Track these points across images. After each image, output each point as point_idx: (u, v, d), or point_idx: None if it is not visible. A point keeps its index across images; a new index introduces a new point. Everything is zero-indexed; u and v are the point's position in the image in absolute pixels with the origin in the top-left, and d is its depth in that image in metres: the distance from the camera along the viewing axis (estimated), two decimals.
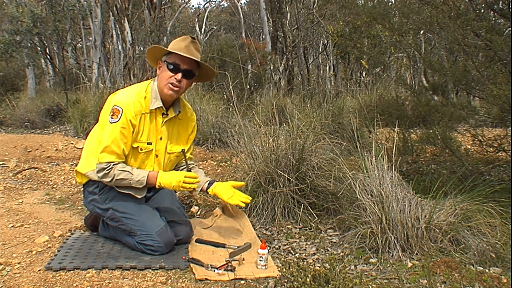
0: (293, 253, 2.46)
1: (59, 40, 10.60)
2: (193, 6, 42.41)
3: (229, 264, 2.19)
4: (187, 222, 2.58)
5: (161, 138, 2.47)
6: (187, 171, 2.54)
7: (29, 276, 2.10)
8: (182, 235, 2.50)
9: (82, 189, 2.61)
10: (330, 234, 2.69)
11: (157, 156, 2.48)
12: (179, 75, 2.38)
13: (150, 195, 2.59)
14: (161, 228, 2.37)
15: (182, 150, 2.59)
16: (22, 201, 3.38)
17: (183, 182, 2.37)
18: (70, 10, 9.77)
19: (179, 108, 2.53)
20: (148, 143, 2.43)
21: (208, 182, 2.54)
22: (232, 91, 4.06)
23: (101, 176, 2.36)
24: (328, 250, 2.47)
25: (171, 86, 2.39)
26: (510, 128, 3.57)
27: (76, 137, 6.07)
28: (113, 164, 2.35)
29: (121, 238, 2.49)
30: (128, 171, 2.36)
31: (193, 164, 2.71)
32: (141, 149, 2.42)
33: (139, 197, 2.43)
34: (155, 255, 2.33)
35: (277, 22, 10.28)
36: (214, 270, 2.16)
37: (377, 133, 3.95)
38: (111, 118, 2.33)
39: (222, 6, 24.90)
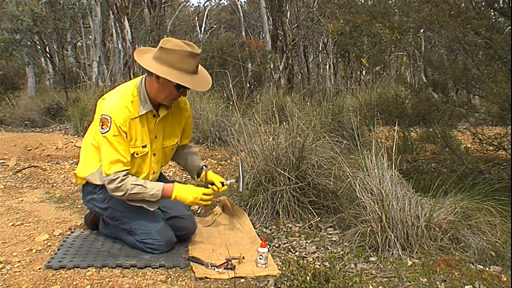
0: (293, 252, 2.46)
1: (59, 38, 10.56)
2: (193, 4, 42.39)
3: (229, 262, 2.19)
4: (190, 216, 2.58)
5: (156, 137, 2.43)
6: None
7: (29, 274, 2.10)
8: (186, 229, 2.52)
9: (81, 187, 2.59)
10: (330, 232, 2.69)
11: (154, 154, 2.45)
12: (184, 93, 2.36)
13: None
14: (161, 227, 2.37)
15: (176, 142, 2.57)
16: (22, 200, 3.38)
17: (199, 200, 2.36)
18: (70, 8, 9.77)
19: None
20: (143, 146, 2.37)
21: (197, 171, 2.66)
22: (232, 90, 4.05)
23: (112, 188, 2.29)
24: (328, 249, 2.47)
25: (172, 100, 2.38)
26: (510, 126, 3.57)
27: (76, 136, 6.06)
28: (123, 176, 2.28)
29: (121, 236, 2.49)
30: (142, 185, 2.30)
31: (192, 148, 2.74)
32: (136, 154, 2.35)
33: (152, 209, 2.38)
34: (155, 254, 2.33)
35: (277, 20, 10.26)
36: (214, 269, 2.16)
37: (377, 132, 3.95)
38: (102, 128, 2.26)
39: (222, 5, 24.91)
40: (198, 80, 2.30)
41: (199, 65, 2.34)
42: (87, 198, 2.51)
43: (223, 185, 2.54)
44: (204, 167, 2.67)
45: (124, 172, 2.29)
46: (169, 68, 2.22)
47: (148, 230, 2.35)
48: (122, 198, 2.32)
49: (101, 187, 2.42)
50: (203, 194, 2.37)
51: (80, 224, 2.82)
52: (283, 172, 2.87)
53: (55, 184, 3.87)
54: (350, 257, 2.34)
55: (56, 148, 5.13)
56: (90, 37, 11.10)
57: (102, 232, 2.62)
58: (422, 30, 5.03)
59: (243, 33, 17.23)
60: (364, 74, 11.62)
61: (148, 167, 2.43)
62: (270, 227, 2.79)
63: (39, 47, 10.41)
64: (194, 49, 2.25)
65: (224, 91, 6.17)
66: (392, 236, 2.32)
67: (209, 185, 2.60)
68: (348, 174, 2.66)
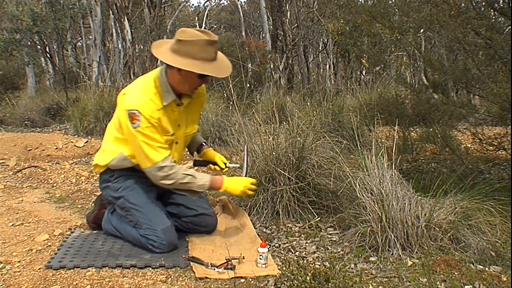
0: (293, 252, 2.46)
1: (59, 38, 10.56)
2: (193, 4, 42.39)
3: (229, 262, 2.19)
4: (214, 213, 2.69)
5: (179, 125, 2.47)
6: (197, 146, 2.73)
7: (29, 274, 2.10)
8: (212, 226, 2.63)
9: (99, 175, 2.62)
10: (330, 232, 2.69)
11: (177, 143, 2.49)
12: (206, 80, 2.38)
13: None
14: (166, 227, 2.38)
15: (197, 129, 2.67)
16: (22, 200, 3.38)
17: (248, 189, 2.44)
18: (70, 8, 9.76)
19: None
20: (171, 135, 2.42)
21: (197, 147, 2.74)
22: (232, 90, 4.05)
23: (162, 176, 2.32)
24: (328, 249, 2.47)
25: (194, 89, 2.41)
26: (510, 126, 3.57)
27: (76, 136, 6.06)
28: (170, 163, 2.31)
29: (124, 231, 2.49)
30: (192, 175, 2.35)
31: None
32: (166, 142, 2.41)
33: (194, 198, 2.50)
34: (155, 252, 2.33)
35: (277, 20, 10.26)
36: (214, 269, 2.16)
37: (377, 132, 3.95)
38: (132, 123, 2.27)
39: (222, 5, 24.91)
40: (219, 66, 2.33)
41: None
42: (102, 185, 2.57)
43: (225, 166, 2.62)
44: (203, 143, 2.74)
45: (170, 159, 2.34)
46: (190, 60, 2.24)
47: (153, 227, 2.36)
48: (170, 186, 2.38)
49: (117, 176, 2.48)
50: (251, 183, 2.45)
51: (80, 224, 2.82)
52: (283, 172, 2.87)
53: (55, 184, 3.87)
54: (350, 257, 2.34)
55: (56, 148, 5.13)
56: (90, 37, 11.09)
57: (104, 228, 2.62)
58: (422, 30, 5.03)
59: (243, 33, 17.22)
60: (364, 74, 11.63)
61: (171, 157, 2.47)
62: (270, 227, 2.79)
63: (39, 47, 10.41)
64: (211, 36, 2.26)
65: (224, 91, 6.17)
66: (392, 236, 2.32)
67: (210, 164, 2.68)
68: (348, 174, 2.66)
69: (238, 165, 2.70)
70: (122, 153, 2.42)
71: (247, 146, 2.74)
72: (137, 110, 2.26)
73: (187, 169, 2.38)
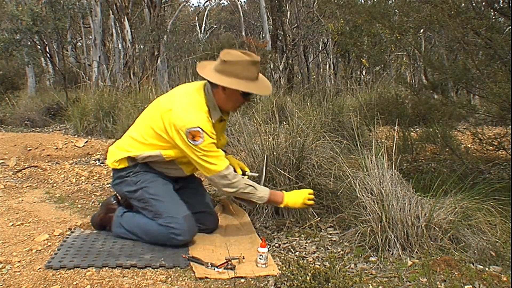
0: (293, 252, 2.46)
1: (59, 38, 10.56)
2: (193, 4, 42.39)
3: (229, 262, 2.19)
4: (215, 213, 2.74)
5: None
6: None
7: (29, 274, 2.10)
8: (212, 225, 2.67)
9: (113, 172, 2.64)
10: (330, 232, 2.69)
11: None
12: (249, 99, 2.50)
13: (178, 187, 2.66)
14: (187, 214, 2.43)
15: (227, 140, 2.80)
16: (22, 200, 3.38)
17: (308, 200, 2.51)
18: (70, 8, 9.75)
19: None
20: None
21: None
22: None
23: (225, 184, 2.41)
24: (328, 249, 2.47)
25: (238, 107, 2.55)
26: (510, 126, 3.57)
27: (76, 136, 6.07)
28: (233, 172, 2.42)
29: (138, 228, 2.50)
30: (253, 187, 2.44)
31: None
32: None
33: (250, 208, 2.72)
34: (177, 241, 2.37)
35: (277, 20, 10.27)
36: (214, 269, 2.16)
37: (377, 132, 3.95)
38: (194, 141, 2.33)
39: (222, 5, 24.95)
40: (261, 85, 2.46)
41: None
42: (116, 181, 2.60)
43: (244, 174, 2.64)
44: (223, 151, 2.75)
45: (232, 168, 2.45)
46: (235, 79, 2.36)
47: (174, 215, 2.40)
48: (231, 194, 2.47)
49: (136, 171, 2.52)
50: (309, 194, 2.52)
51: (80, 224, 2.82)
52: (283, 172, 2.87)
53: (55, 184, 3.88)
54: (350, 257, 2.34)
55: (56, 148, 5.13)
56: (90, 37, 11.10)
57: (115, 232, 2.60)
58: (422, 30, 5.04)
59: (243, 33, 17.23)
60: (364, 74, 11.64)
61: None
62: (270, 227, 2.79)
63: (39, 47, 10.41)
64: (253, 57, 2.39)
65: None
66: (392, 236, 2.32)
67: None
68: (348, 174, 2.66)
69: (257, 174, 2.73)
70: (160, 152, 2.48)
71: (266, 157, 2.81)
72: (200, 128, 2.33)
73: (249, 180, 2.47)
